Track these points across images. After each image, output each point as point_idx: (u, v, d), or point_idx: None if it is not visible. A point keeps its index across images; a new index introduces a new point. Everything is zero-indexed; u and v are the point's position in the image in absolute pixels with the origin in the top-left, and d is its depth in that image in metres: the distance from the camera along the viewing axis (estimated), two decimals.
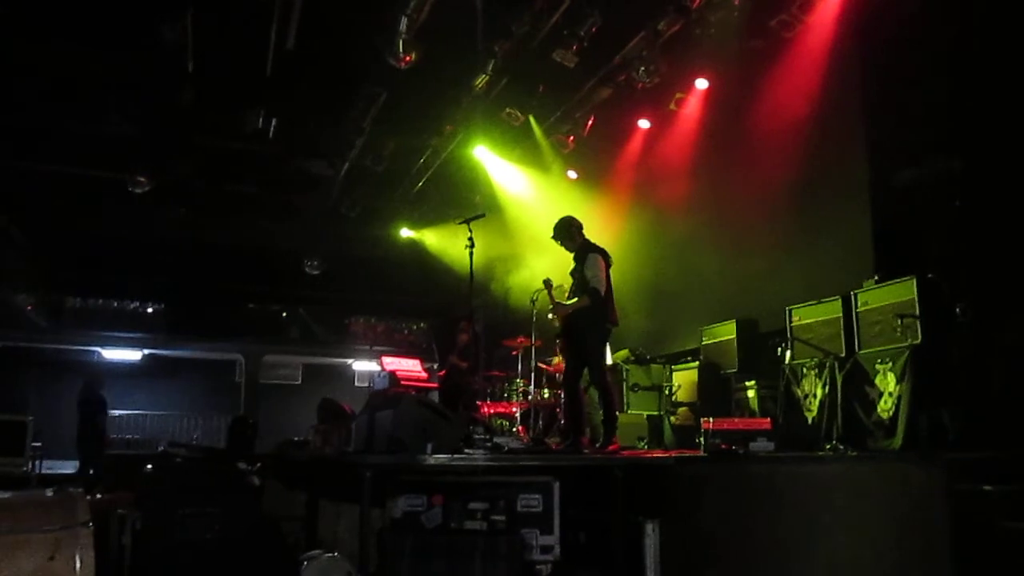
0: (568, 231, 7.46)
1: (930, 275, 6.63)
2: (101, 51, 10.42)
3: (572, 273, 7.37)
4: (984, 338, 6.34)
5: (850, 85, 8.31)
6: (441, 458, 5.31)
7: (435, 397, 11.38)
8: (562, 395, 8.26)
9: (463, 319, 11.13)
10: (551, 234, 7.55)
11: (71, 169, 14.03)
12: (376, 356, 16.54)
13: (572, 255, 7.44)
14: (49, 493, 4.40)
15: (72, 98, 11.56)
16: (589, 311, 7.05)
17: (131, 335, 17.95)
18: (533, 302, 8.61)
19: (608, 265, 7.25)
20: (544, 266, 7.65)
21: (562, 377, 8.03)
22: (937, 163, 7.08)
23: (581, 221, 7.57)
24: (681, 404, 9.00)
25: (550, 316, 7.94)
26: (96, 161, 13.59)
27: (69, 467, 12.83)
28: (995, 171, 6.72)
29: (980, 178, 6.80)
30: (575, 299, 7.18)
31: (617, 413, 7.33)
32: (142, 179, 13.26)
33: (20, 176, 14.10)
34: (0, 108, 11.64)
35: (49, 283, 16.89)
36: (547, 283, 7.60)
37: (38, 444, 9.93)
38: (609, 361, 10.12)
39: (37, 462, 10.02)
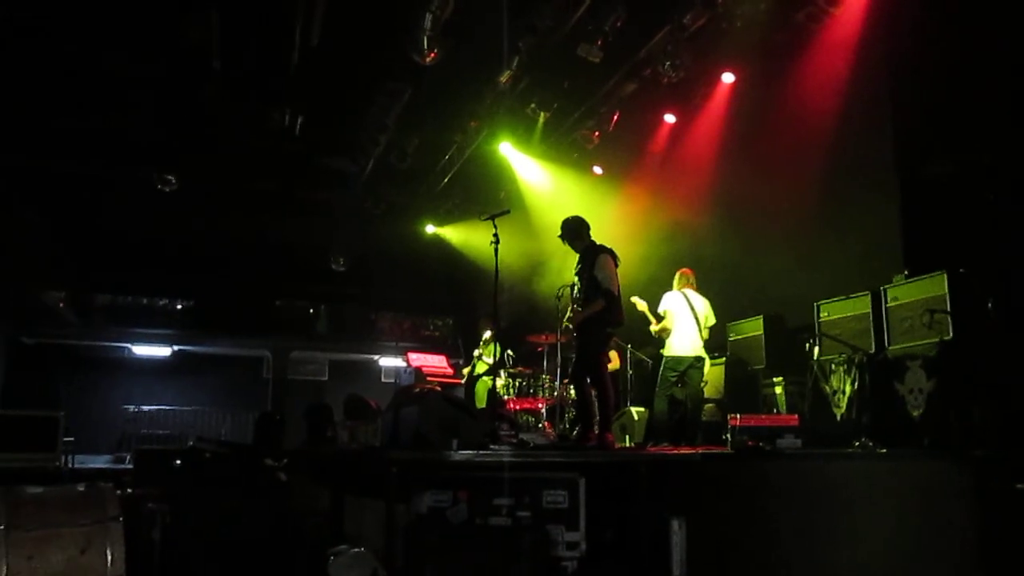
0: (578, 231, 7.49)
1: (961, 270, 6.54)
2: (129, 51, 10.54)
3: (578, 273, 7.39)
4: (1016, 334, 6.25)
5: (877, 77, 8.23)
6: (466, 454, 5.32)
7: (460, 393, 11.40)
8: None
9: (488, 315, 11.14)
10: (558, 233, 7.59)
11: (100, 168, 14.22)
12: (402, 352, 16.58)
13: (578, 255, 7.46)
14: (80, 488, 4.47)
15: (101, 97, 11.70)
16: (600, 311, 7.08)
17: (160, 331, 18.17)
18: (558, 299, 8.62)
19: (616, 265, 7.26)
20: (569, 262, 7.63)
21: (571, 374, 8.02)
22: (967, 156, 6.98)
23: (606, 216, 7.56)
24: (708, 400, 8.94)
25: (565, 320, 8.06)
26: (125, 160, 13.77)
27: (100, 462, 13.03)
28: None
29: (1011, 171, 6.69)
30: (586, 302, 7.19)
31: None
32: (170, 177, 13.42)
33: (51, 175, 14.32)
34: (32, 109, 11.82)
35: (80, 281, 17.10)
36: (573, 287, 7.64)
37: (70, 439, 10.07)
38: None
39: (69, 457, 10.16)
